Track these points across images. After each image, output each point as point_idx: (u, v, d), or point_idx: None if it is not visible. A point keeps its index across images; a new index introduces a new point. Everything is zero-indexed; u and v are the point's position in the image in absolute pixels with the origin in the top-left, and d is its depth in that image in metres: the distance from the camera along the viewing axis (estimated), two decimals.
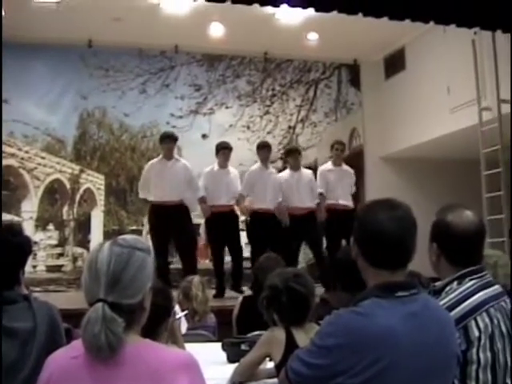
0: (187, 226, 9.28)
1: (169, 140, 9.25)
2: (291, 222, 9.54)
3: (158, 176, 9.10)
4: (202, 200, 9.32)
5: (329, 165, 10.17)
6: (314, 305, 3.40)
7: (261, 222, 9.42)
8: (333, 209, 9.84)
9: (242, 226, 10.13)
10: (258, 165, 9.72)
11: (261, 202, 9.48)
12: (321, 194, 9.83)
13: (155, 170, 9.20)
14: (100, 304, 1.94)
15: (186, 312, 4.60)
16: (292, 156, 9.89)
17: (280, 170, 10.56)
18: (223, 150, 9.39)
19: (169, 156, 9.22)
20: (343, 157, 10.34)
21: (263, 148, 9.70)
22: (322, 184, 9.87)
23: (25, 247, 3.00)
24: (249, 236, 9.78)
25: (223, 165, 9.45)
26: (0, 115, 8.73)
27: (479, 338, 2.60)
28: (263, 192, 9.48)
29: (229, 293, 9.31)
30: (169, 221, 8.91)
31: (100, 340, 1.90)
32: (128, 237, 2.15)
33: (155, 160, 9.42)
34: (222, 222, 9.29)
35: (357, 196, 12.53)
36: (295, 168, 9.81)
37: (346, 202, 9.91)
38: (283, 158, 10.36)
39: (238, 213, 9.67)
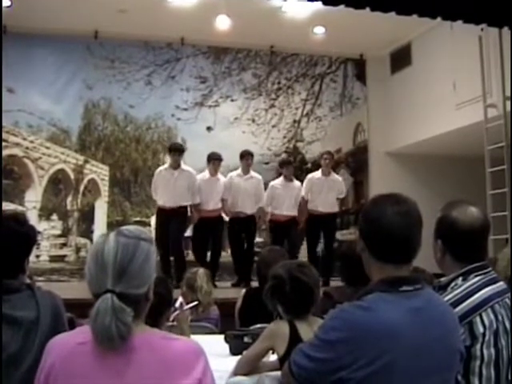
0: (182, 226, 9.85)
1: (177, 153, 9.72)
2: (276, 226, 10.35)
3: (164, 184, 9.68)
4: (196, 207, 9.88)
5: (318, 173, 10.59)
6: (318, 296, 3.39)
7: (235, 224, 10.15)
8: (313, 215, 10.37)
9: None
10: (237, 171, 10.23)
11: (234, 206, 10.11)
12: (303, 199, 10.38)
13: (161, 177, 9.76)
14: (109, 295, 1.94)
15: (195, 303, 4.62)
16: (286, 167, 10.45)
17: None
18: (214, 160, 9.92)
19: (175, 166, 9.68)
20: (332, 164, 10.90)
21: (246, 156, 10.20)
22: (307, 190, 10.40)
23: (31, 236, 3.00)
24: (228, 235, 10.41)
25: (213, 173, 9.99)
26: (0, 105, 8.73)
27: (484, 334, 2.59)
28: (236, 197, 10.07)
29: (225, 284, 9.99)
30: (169, 221, 9.55)
31: (111, 330, 1.90)
32: (132, 227, 2.15)
33: (162, 168, 9.92)
34: (209, 224, 9.94)
35: (361, 191, 12.63)
36: (288, 179, 10.38)
37: (328, 209, 10.42)
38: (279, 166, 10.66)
39: (224, 215, 10.27)
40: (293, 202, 10.23)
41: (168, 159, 10.01)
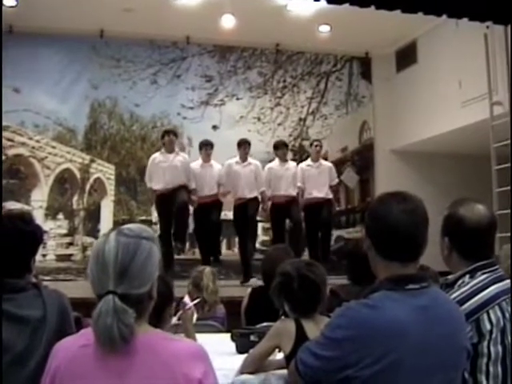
0: (183, 197, 9.77)
1: (170, 134, 9.96)
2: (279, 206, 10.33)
3: (162, 166, 9.75)
4: (193, 193, 9.95)
5: (307, 161, 10.79)
6: (325, 295, 3.39)
7: (239, 211, 10.13)
8: (310, 202, 10.48)
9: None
10: (235, 159, 10.25)
11: (235, 193, 10.15)
12: (299, 188, 10.46)
13: (157, 162, 9.84)
14: (110, 296, 1.94)
15: (198, 300, 4.60)
16: (281, 148, 10.51)
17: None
18: (205, 146, 10.11)
19: (169, 149, 9.84)
20: (322, 153, 11.00)
21: (242, 145, 10.22)
22: (300, 179, 10.50)
23: (37, 236, 3.01)
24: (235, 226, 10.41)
25: (206, 160, 10.13)
26: (0, 104, 8.73)
27: (491, 332, 2.59)
28: (236, 183, 10.11)
29: (232, 282, 9.84)
30: (169, 208, 9.63)
31: (113, 332, 1.90)
32: (133, 226, 2.13)
33: (157, 153, 10.01)
34: (205, 210, 9.98)
35: (367, 189, 12.62)
36: (283, 159, 10.47)
37: (323, 194, 10.51)
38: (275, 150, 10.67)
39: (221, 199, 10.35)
40: (290, 181, 10.30)
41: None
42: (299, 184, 10.43)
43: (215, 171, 10.15)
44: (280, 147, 10.52)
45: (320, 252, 10.25)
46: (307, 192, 10.49)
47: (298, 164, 10.78)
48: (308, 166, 10.65)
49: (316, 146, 10.70)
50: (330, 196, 10.64)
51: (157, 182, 9.75)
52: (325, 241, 10.56)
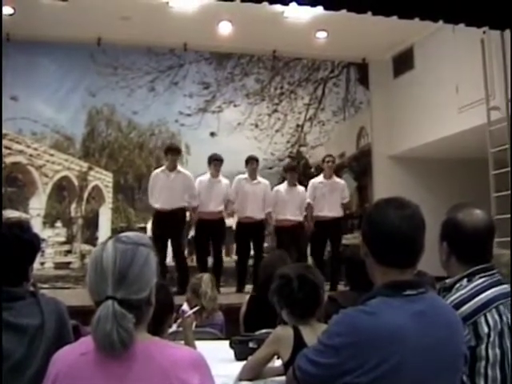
0: (181, 229, 9.94)
1: (174, 153, 9.84)
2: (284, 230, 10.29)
3: (160, 186, 9.71)
4: (195, 209, 9.95)
5: (320, 178, 10.68)
6: (323, 299, 3.39)
7: (244, 229, 10.16)
8: (319, 220, 10.44)
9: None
10: (245, 175, 10.26)
11: (243, 211, 10.14)
12: (309, 204, 10.44)
13: (158, 179, 9.80)
14: (110, 301, 1.95)
15: (197, 308, 4.59)
16: (290, 173, 10.52)
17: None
18: (215, 161, 9.99)
19: (171, 167, 9.77)
20: (334, 168, 10.89)
21: (250, 161, 10.24)
22: (311, 195, 10.45)
23: (35, 243, 3.01)
24: (235, 240, 10.45)
25: (215, 175, 10.04)
26: (0, 112, 8.72)
27: (489, 335, 2.60)
28: (245, 202, 10.11)
29: (230, 289, 9.95)
30: (167, 224, 9.55)
31: (112, 337, 1.90)
32: (131, 234, 2.15)
33: (159, 170, 9.93)
34: (209, 227, 9.96)
35: (364, 195, 12.62)
36: (291, 184, 10.41)
37: (334, 213, 10.48)
38: (284, 171, 10.91)
39: (226, 217, 10.33)
40: (297, 206, 10.27)
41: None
42: (308, 200, 10.40)
43: (223, 187, 10.08)
44: (289, 171, 10.57)
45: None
46: (317, 208, 10.43)
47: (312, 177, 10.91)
48: (320, 183, 10.58)
49: (328, 161, 10.56)
50: (341, 214, 10.62)
51: (156, 200, 9.74)
52: (334, 260, 10.38)
